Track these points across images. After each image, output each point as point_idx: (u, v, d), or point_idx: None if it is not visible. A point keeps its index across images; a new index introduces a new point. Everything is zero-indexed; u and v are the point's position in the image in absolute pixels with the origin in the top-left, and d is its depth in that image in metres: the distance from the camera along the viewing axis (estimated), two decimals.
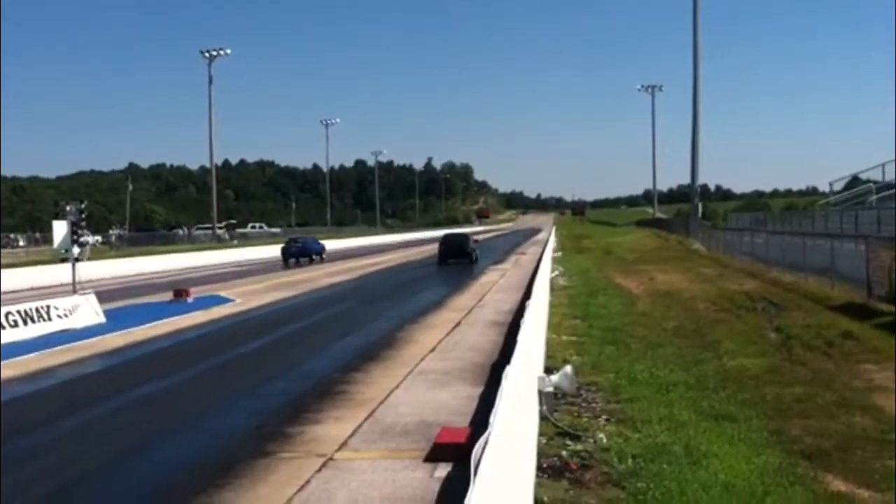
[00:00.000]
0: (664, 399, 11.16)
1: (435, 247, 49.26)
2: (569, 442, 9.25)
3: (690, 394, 11.53)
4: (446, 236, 50.03)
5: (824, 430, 9.68)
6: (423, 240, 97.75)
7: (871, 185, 37.43)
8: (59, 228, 23.01)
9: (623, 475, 8.09)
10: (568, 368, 10.65)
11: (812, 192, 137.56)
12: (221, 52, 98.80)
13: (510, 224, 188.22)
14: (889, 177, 35.49)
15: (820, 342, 15.61)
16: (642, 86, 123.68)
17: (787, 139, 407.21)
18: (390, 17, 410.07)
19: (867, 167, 39.04)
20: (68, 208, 23.22)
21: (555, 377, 10.27)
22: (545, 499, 7.45)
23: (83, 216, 23.27)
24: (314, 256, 53.93)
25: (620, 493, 7.67)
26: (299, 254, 53.02)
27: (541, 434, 9.28)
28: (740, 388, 11.94)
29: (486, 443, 5.71)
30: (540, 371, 11.01)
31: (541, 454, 8.64)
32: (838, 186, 43.43)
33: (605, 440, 9.29)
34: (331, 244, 79.33)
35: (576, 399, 11.21)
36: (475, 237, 56.00)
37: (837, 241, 25.00)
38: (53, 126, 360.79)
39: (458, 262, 43.61)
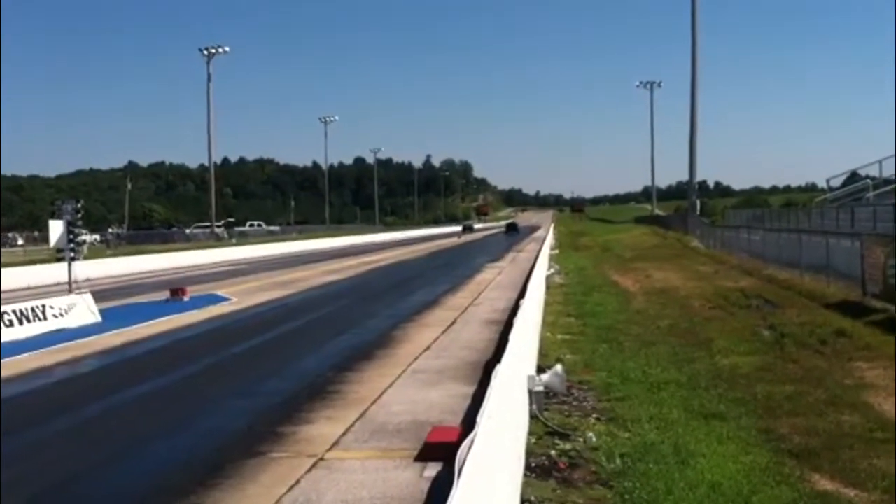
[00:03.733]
0: (655, 398, 11.19)
1: (433, 244, 74.44)
2: (558, 441, 9.27)
3: (681, 392, 11.56)
4: (509, 223, 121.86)
5: (813, 428, 9.71)
6: (422, 237, 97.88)
7: (868, 181, 37.41)
8: (56, 227, 23.02)
9: (611, 474, 8.12)
10: (558, 367, 10.70)
11: (811, 188, 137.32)
12: (220, 50, 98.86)
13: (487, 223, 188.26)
14: (886, 173, 35.51)
15: (813, 340, 15.64)
16: (641, 82, 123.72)
17: (786, 135, 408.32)
18: (390, 15, 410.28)
19: (866, 163, 39.01)
20: (65, 207, 23.20)
21: (545, 376, 10.31)
22: (532, 498, 7.48)
23: (79, 215, 23.28)
24: (474, 230, 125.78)
25: (608, 492, 7.70)
26: (468, 229, 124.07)
27: (530, 433, 9.31)
28: (731, 386, 11.97)
29: (471, 443, 5.75)
30: (532, 370, 11.05)
31: (530, 453, 8.66)
32: (836, 183, 43.42)
33: (594, 439, 9.31)
34: (329, 243, 79.62)
35: (567, 398, 11.23)
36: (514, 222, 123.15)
37: (833, 238, 24.99)
38: (52, 124, 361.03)
39: (510, 235, 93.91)
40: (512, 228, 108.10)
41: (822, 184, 55.85)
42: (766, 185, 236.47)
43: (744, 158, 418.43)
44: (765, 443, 9.15)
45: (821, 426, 9.78)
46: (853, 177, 42.12)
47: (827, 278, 24.21)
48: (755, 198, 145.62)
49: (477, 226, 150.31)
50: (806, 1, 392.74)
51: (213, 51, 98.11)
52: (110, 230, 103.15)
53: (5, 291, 27.89)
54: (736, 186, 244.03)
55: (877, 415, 10.32)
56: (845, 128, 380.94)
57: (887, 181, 35.09)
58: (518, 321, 11.83)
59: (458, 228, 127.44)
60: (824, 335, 16.00)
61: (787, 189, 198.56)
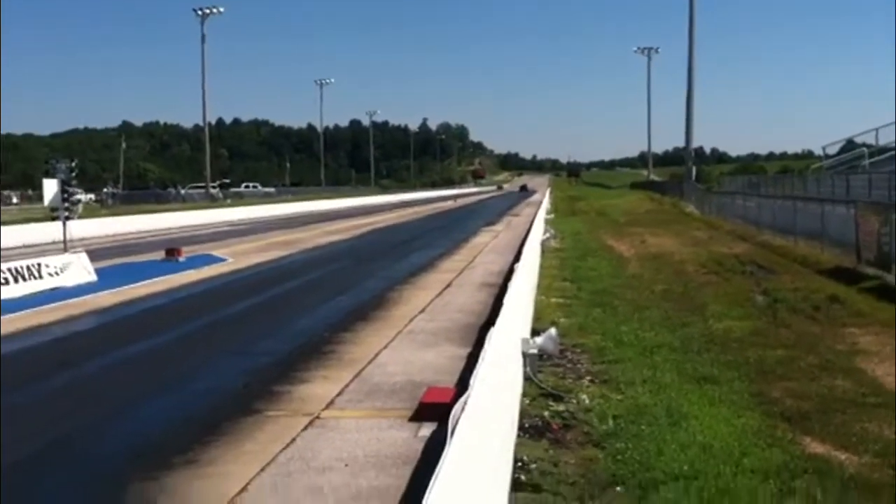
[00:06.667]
0: (648, 361, 11.25)
1: (430, 207, 76.70)
2: (552, 403, 9.34)
3: (675, 356, 11.62)
4: (522, 185, 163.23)
5: (805, 392, 9.78)
6: (417, 200, 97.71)
7: (864, 149, 37.45)
8: (50, 186, 22.95)
9: (603, 436, 8.19)
10: (552, 330, 10.76)
11: (808, 155, 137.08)
12: (215, 11, 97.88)
13: (506, 185, 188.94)
14: (882, 141, 35.55)
15: (806, 306, 15.71)
16: (639, 48, 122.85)
17: (784, 102, 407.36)
18: None
19: (862, 131, 39.14)
20: (58, 166, 23.13)
21: (539, 339, 10.37)
22: (525, 458, 7.54)
23: (73, 174, 23.23)
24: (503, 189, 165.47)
25: (599, 452, 7.77)
26: (499, 187, 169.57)
27: (524, 395, 9.38)
28: (724, 350, 12.04)
29: (465, 403, 5.80)
30: (526, 333, 11.11)
31: (523, 414, 8.73)
32: (832, 150, 43.46)
33: (587, 401, 9.38)
34: (325, 205, 79.43)
35: (561, 360, 11.30)
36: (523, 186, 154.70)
37: (828, 206, 25.02)
38: (47, 83, 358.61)
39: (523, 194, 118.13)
40: (524, 188, 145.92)
41: (818, 151, 55.89)
42: (763, 151, 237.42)
43: (740, 125, 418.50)
44: (756, 406, 9.22)
45: (813, 390, 9.86)
46: (849, 144, 42.18)
47: (821, 245, 24.28)
48: (751, 164, 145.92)
49: (473, 189, 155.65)
50: None
51: (208, 11, 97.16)
52: (105, 189, 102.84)
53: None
54: (732, 153, 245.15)
55: (869, 380, 10.40)
56: (842, 96, 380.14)
57: (883, 149, 35.11)
58: (513, 284, 11.88)
59: (455, 192, 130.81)
60: (817, 301, 16.07)
61: (784, 156, 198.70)
